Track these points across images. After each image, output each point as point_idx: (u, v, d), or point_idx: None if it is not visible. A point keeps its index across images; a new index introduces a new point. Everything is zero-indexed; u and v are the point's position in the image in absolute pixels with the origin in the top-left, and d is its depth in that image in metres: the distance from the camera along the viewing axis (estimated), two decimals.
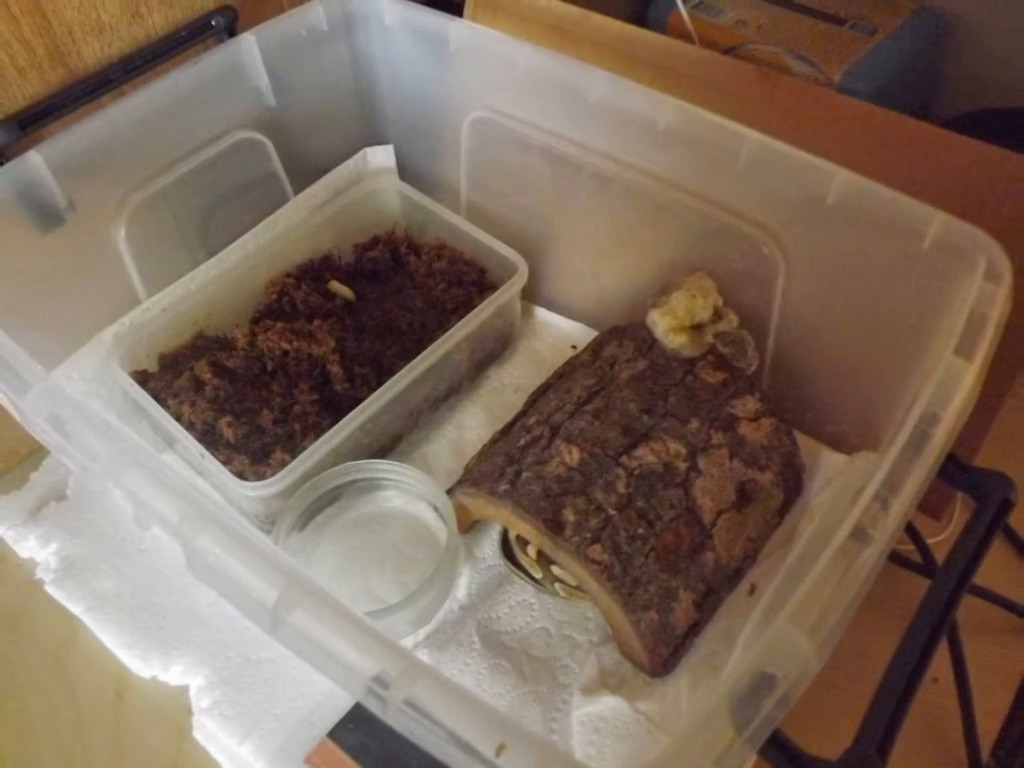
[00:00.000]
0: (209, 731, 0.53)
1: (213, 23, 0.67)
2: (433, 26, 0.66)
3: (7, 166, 0.55)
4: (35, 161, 0.55)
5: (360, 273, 0.73)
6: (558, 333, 0.73)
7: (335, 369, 0.62)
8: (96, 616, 0.58)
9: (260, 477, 0.56)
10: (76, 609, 0.58)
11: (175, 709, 0.54)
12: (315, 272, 0.71)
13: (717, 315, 0.61)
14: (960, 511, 0.62)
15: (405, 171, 0.75)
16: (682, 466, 0.54)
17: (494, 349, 0.70)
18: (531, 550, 0.55)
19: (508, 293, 0.65)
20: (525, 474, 0.53)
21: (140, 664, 0.55)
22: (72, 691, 0.56)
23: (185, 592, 0.58)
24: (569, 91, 0.61)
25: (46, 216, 0.58)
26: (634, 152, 0.61)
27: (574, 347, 0.70)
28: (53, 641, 0.58)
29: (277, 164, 0.70)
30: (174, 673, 0.55)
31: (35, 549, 0.61)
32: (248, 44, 0.64)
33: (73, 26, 0.60)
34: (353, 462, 0.59)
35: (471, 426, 0.66)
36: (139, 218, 0.62)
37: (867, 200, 0.52)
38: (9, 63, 0.58)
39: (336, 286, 0.70)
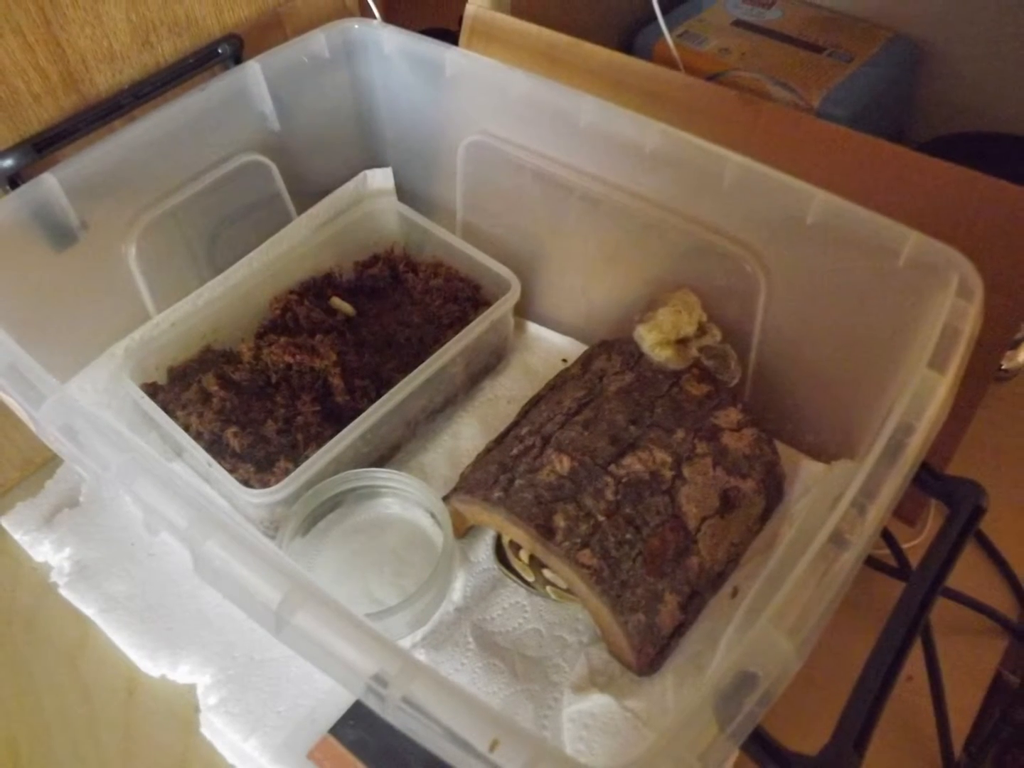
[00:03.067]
0: (216, 728, 0.54)
1: (220, 51, 0.67)
2: (430, 54, 0.67)
3: (23, 188, 0.56)
4: (50, 183, 0.56)
5: (360, 290, 0.74)
6: (549, 347, 0.73)
7: (336, 382, 0.63)
8: (108, 618, 0.58)
9: (265, 485, 0.57)
10: (89, 611, 0.59)
11: (183, 706, 0.55)
12: (317, 289, 0.72)
13: (701, 330, 0.62)
14: (934, 517, 0.63)
15: (403, 192, 0.76)
16: (668, 474, 0.55)
17: (488, 362, 0.71)
18: (524, 554, 0.56)
19: (502, 309, 0.66)
20: (518, 482, 0.54)
21: (150, 663, 0.56)
22: (85, 689, 0.57)
23: (193, 595, 0.59)
24: (560, 116, 0.62)
25: (60, 235, 0.59)
26: (622, 174, 0.62)
27: (565, 360, 0.71)
28: (67, 641, 0.59)
29: (281, 186, 0.71)
30: (182, 672, 0.56)
31: (49, 553, 0.62)
32: (253, 71, 0.65)
33: (86, 54, 0.61)
34: (353, 470, 0.60)
35: (466, 436, 0.67)
36: (149, 237, 0.63)
37: (845, 220, 0.52)
38: (25, 89, 0.58)
39: (337, 302, 0.71)
